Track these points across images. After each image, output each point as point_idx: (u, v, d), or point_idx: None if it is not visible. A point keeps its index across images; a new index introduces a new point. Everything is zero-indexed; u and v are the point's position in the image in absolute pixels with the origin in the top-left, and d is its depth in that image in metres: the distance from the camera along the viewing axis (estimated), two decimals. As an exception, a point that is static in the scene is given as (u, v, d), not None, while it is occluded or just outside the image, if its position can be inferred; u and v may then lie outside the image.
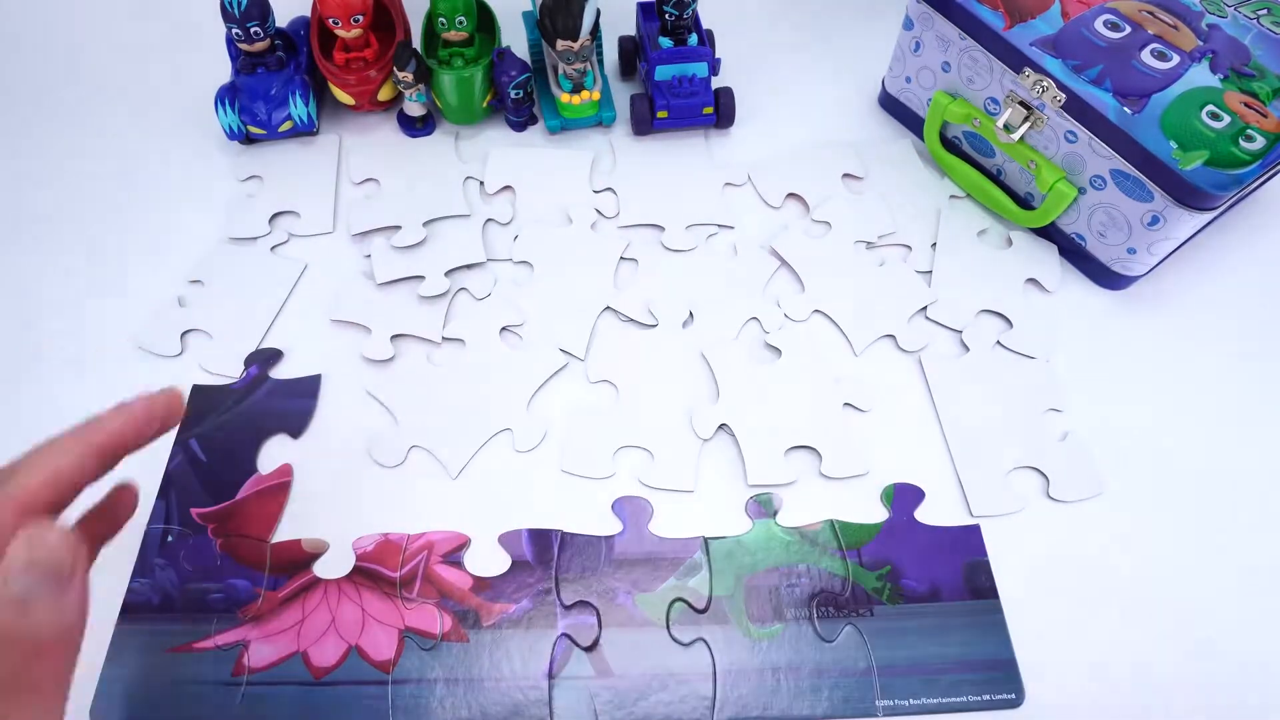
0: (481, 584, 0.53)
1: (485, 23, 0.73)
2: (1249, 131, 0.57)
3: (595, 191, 0.71)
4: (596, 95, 0.71)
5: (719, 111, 0.72)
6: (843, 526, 0.55)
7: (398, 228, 0.67)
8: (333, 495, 0.56)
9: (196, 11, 0.77)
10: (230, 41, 0.69)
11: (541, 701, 0.49)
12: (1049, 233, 0.67)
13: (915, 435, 0.59)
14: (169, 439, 0.58)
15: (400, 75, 0.68)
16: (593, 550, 0.54)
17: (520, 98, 0.71)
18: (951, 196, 0.70)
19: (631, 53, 0.77)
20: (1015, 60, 0.61)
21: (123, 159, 0.73)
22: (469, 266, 0.66)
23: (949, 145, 0.71)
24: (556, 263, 0.66)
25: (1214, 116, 0.57)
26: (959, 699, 0.50)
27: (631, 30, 0.77)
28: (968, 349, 0.62)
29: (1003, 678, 0.50)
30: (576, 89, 0.70)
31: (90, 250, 0.67)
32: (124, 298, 0.64)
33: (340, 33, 0.67)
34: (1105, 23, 0.62)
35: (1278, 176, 0.63)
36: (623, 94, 0.77)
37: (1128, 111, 0.58)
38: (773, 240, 0.67)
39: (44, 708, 0.33)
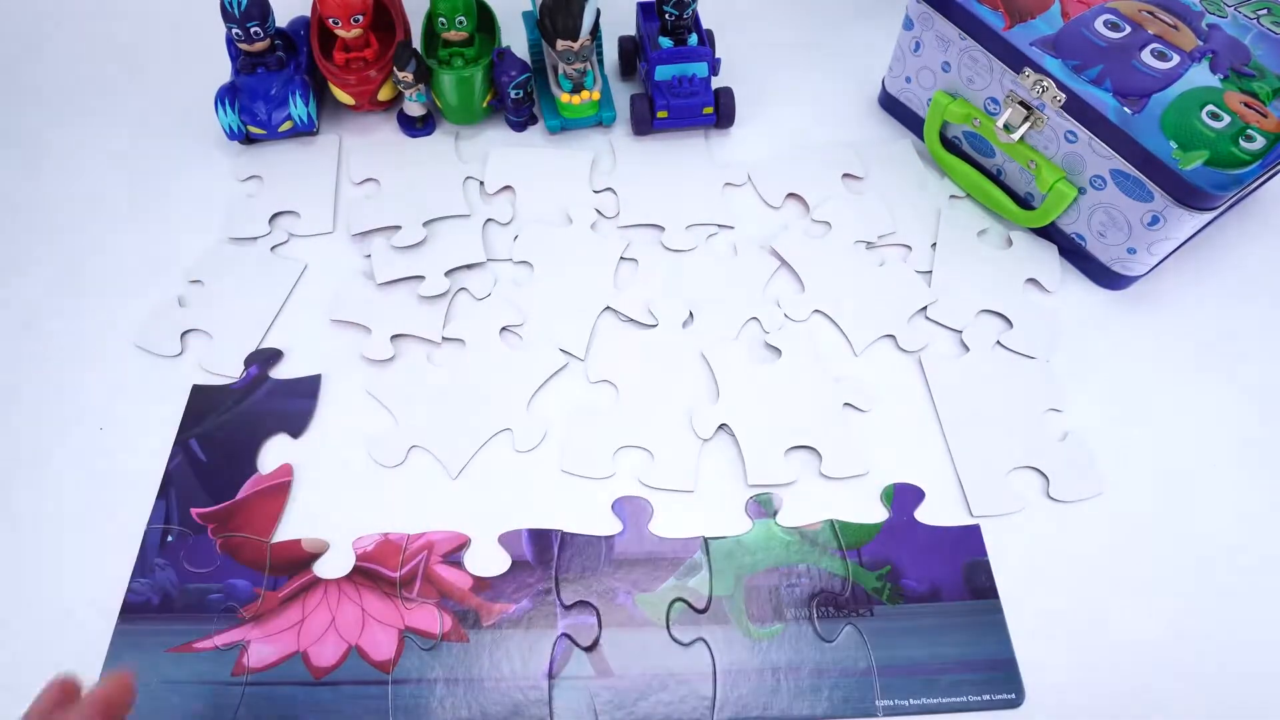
0: (481, 584, 0.53)
1: (485, 23, 0.73)
2: (1249, 131, 0.57)
3: (595, 191, 0.71)
4: (596, 95, 0.71)
5: (719, 111, 0.72)
6: (843, 526, 0.55)
7: (398, 228, 0.67)
8: (333, 495, 0.56)
9: (196, 11, 0.77)
10: (230, 41, 0.69)
11: (541, 701, 0.49)
12: (1049, 233, 0.67)
13: (915, 435, 0.59)
14: (169, 439, 0.58)
15: (400, 75, 0.68)
16: (593, 550, 0.54)
17: (520, 98, 0.71)
18: (951, 196, 0.70)
19: (631, 53, 0.77)
20: (1015, 60, 0.61)
21: (123, 159, 0.73)
22: (469, 266, 0.66)
23: (949, 145, 0.71)
24: (556, 263, 0.66)
25: (1214, 116, 0.57)
26: (959, 699, 0.50)
27: (631, 30, 0.77)
28: (968, 349, 0.62)
29: (1003, 678, 0.50)
30: (576, 89, 0.70)
31: (90, 250, 0.67)
32: (124, 298, 0.64)
33: (340, 33, 0.67)
34: (1105, 23, 0.62)
35: (1278, 176, 0.63)
36: (623, 94, 0.77)
37: (1128, 111, 0.58)
38: (773, 240, 0.67)
39: None
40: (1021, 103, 0.62)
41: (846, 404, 0.60)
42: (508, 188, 0.71)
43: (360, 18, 0.66)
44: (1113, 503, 0.56)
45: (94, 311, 0.64)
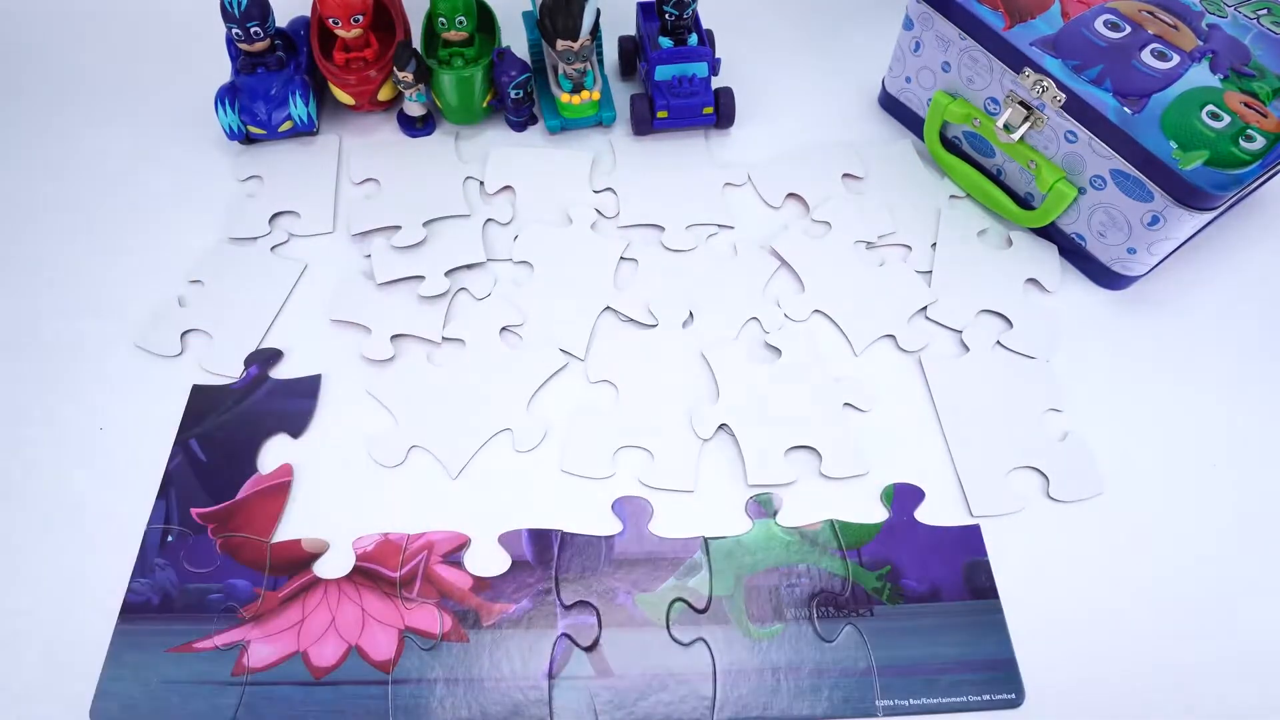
0: (481, 584, 0.53)
1: (485, 23, 0.73)
2: (1249, 131, 0.57)
3: (595, 191, 0.71)
4: (596, 95, 0.71)
5: (719, 111, 0.72)
6: (843, 526, 0.55)
7: (398, 228, 0.67)
8: (333, 495, 0.56)
9: (196, 11, 0.77)
10: (230, 41, 0.69)
11: (541, 701, 0.49)
12: (1049, 233, 0.67)
13: (915, 435, 0.59)
14: (169, 439, 0.58)
15: (400, 75, 0.68)
16: (593, 550, 0.54)
17: (520, 98, 0.71)
18: (951, 196, 0.70)
19: (631, 53, 0.77)
20: (1015, 60, 0.61)
21: (123, 159, 0.73)
22: (469, 266, 0.66)
23: (949, 145, 0.71)
24: (556, 263, 0.66)
25: (1214, 116, 0.57)
26: (959, 699, 0.50)
27: (631, 30, 0.77)
28: (968, 349, 0.62)
29: (1003, 678, 0.50)
30: (576, 89, 0.70)
31: (91, 250, 0.67)
32: (124, 298, 0.64)
33: (340, 33, 0.67)
34: (1105, 23, 0.62)
35: (1278, 176, 0.63)
36: (623, 94, 0.77)
37: (1128, 111, 0.58)
38: (773, 240, 0.67)
39: None
40: (1021, 103, 0.62)
41: (846, 404, 0.60)
42: (508, 188, 0.71)
43: (360, 18, 0.66)
44: (1113, 503, 0.56)
45: (94, 311, 0.64)
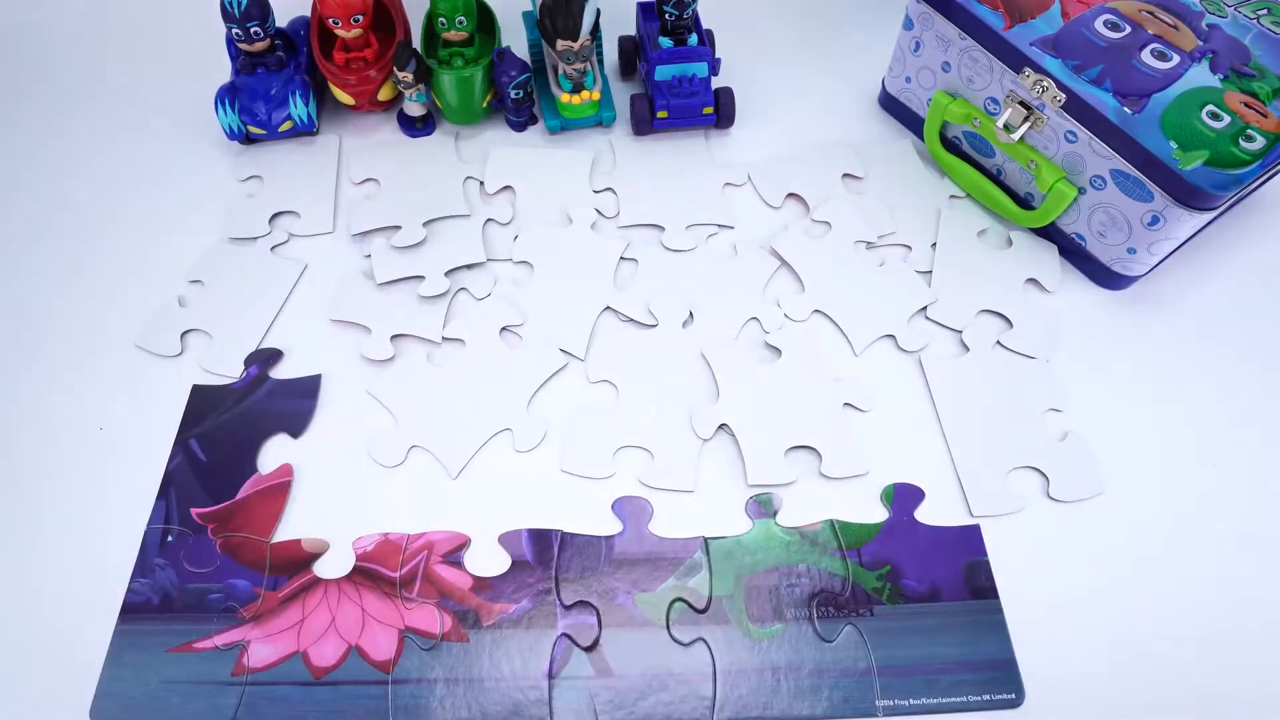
0: (481, 584, 0.53)
1: (485, 23, 0.73)
2: (1249, 131, 0.57)
3: (595, 191, 0.71)
4: (596, 95, 0.71)
5: (719, 111, 0.72)
6: (843, 526, 0.55)
7: (398, 228, 0.67)
8: (333, 495, 0.56)
9: (196, 11, 0.77)
10: (230, 41, 0.69)
11: (541, 701, 0.49)
12: (1049, 233, 0.67)
13: (915, 435, 0.59)
14: (169, 439, 0.58)
15: (400, 75, 0.68)
16: (593, 550, 0.54)
17: (520, 98, 0.71)
18: (951, 196, 0.70)
19: (631, 53, 0.77)
20: (1015, 60, 0.61)
21: (123, 159, 0.73)
22: (469, 266, 0.66)
23: (949, 145, 0.71)
24: (556, 263, 0.66)
25: (1214, 116, 0.57)
26: (959, 699, 0.50)
27: (631, 30, 0.77)
28: (968, 349, 0.62)
29: (1003, 678, 0.50)
30: (576, 89, 0.70)
31: (90, 250, 0.67)
32: (124, 298, 0.64)
33: (340, 33, 0.67)
34: (1105, 23, 0.62)
35: (1278, 176, 0.63)
36: (623, 94, 0.77)
37: (1128, 111, 0.58)
38: (773, 240, 0.67)
39: None
40: (1021, 103, 0.62)
41: (846, 404, 0.60)
42: (508, 188, 0.71)
43: (360, 18, 0.66)
44: (1113, 503, 0.56)
45: (94, 312, 0.64)
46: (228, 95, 0.70)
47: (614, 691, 0.50)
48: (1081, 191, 0.62)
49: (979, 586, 0.53)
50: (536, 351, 0.62)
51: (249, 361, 0.61)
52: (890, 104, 0.76)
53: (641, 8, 0.74)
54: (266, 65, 0.70)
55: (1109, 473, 0.57)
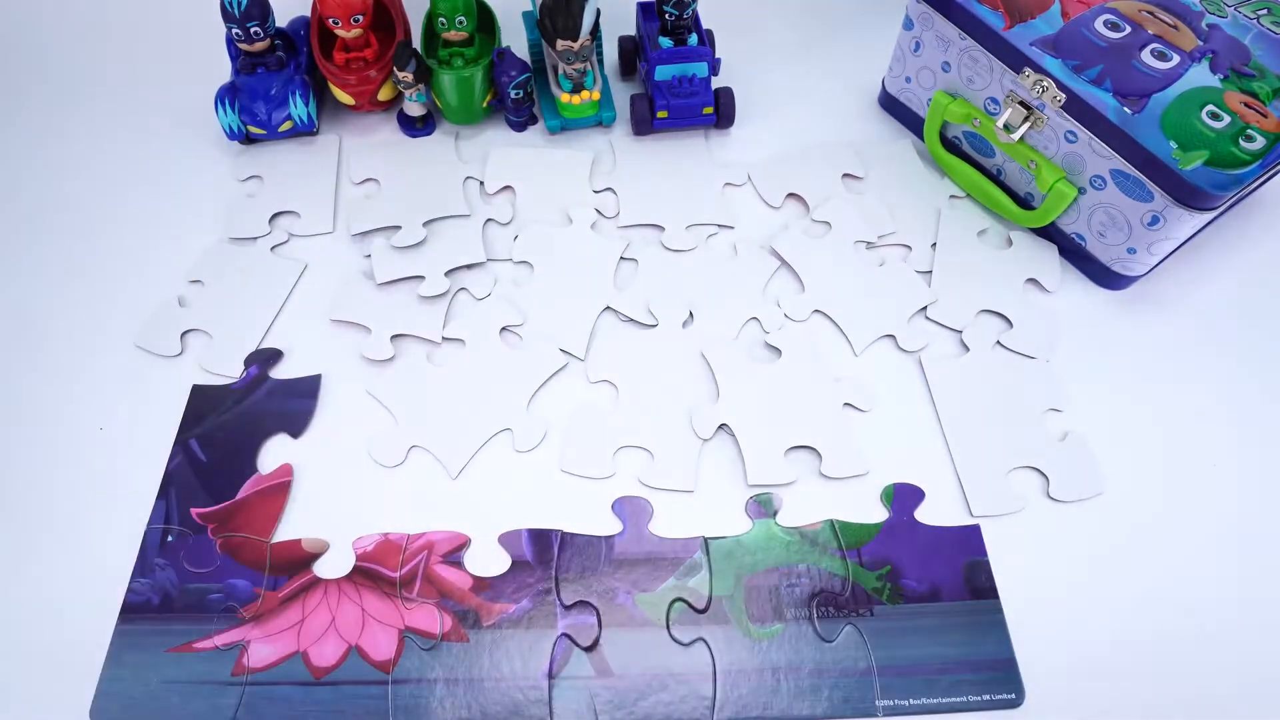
0: (481, 584, 0.53)
1: (485, 23, 0.73)
2: (1249, 131, 0.57)
3: (595, 191, 0.71)
4: (596, 95, 0.71)
5: (719, 111, 0.72)
6: (843, 526, 0.55)
7: (398, 228, 0.67)
8: (333, 495, 0.56)
9: (196, 11, 0.77)
10: (230, 41, 0.69)
11: (541, 701, 0.49)
12: (1049, 233, 0.67)
13: (915, 435, 0.59)
14: (169, 439, 0.58)
15: (400, 75, 0.68)
16: (593, 550, 0.54)
17: (520, 98, 0.71)
18: (951, 196, 0.70)
19: (631, 53, 0.77)
20: (1015, 60, 0.61)
21: (123, 159, 0.73)
22: (469, 266, 0.66)
23: (949, 145, 0.71)
24: (556, 263, 0.66)
25: (1214, 116, 0.57)
26: (959, 699, 0.50)
27: (631, 30, 0.77)
28: (968, 349, 0.62)
29: (1003, 678, 0.50)
30: (576, 89, 0.70)
31: (91, 250, 0.67)
32: (124, 298, 0.64)
33: (340, 33, 0.67)
34: (1105, 23, 0.62)
35: (1278, 176, 0.63)
36: (623, 94, 0.77)
37: (1128, 111, 0.58)
38: (773, 240, 0.67)
39: None
40: (1021, 103, 0.62)
41: (846, 404, 0.60)
42: (508, 188, 0.71)
43: (360, 18, 0.66)
44: (1113, 503, 0.56)
45: (94, 312, 0.64)
46: (228, 95, 0.70)
47: (614, 691, 0.50)
48: (1081, 191, 0.62)
49: (979, 586, 0.53)
50: (536, 351, 0.62)
51: (249, 361, 0.61)
52: (890, 104, 0.76)
53: (641, 8, 0.74)
54: (266, 65, 0.70)
55: (1109, 473, 0.57)
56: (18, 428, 0.59)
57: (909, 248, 0.68)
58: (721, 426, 0.58)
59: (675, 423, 0.59)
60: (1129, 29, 0.61)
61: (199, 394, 0.60)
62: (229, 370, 0.61)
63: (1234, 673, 0.51)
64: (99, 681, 0.49)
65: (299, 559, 0.54)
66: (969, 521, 0.55)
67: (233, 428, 0.58)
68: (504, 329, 0.63)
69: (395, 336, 0.62)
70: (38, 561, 0.54)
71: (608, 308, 0.64)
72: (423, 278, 0.64)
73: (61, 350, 0.62)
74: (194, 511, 0.55)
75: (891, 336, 0.63)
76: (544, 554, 0.54)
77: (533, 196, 0.70)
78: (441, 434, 0.58)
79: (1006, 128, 0.63)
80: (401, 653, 0.51)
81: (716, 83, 0.73)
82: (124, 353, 0.62)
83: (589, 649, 0.51)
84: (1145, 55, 0.60)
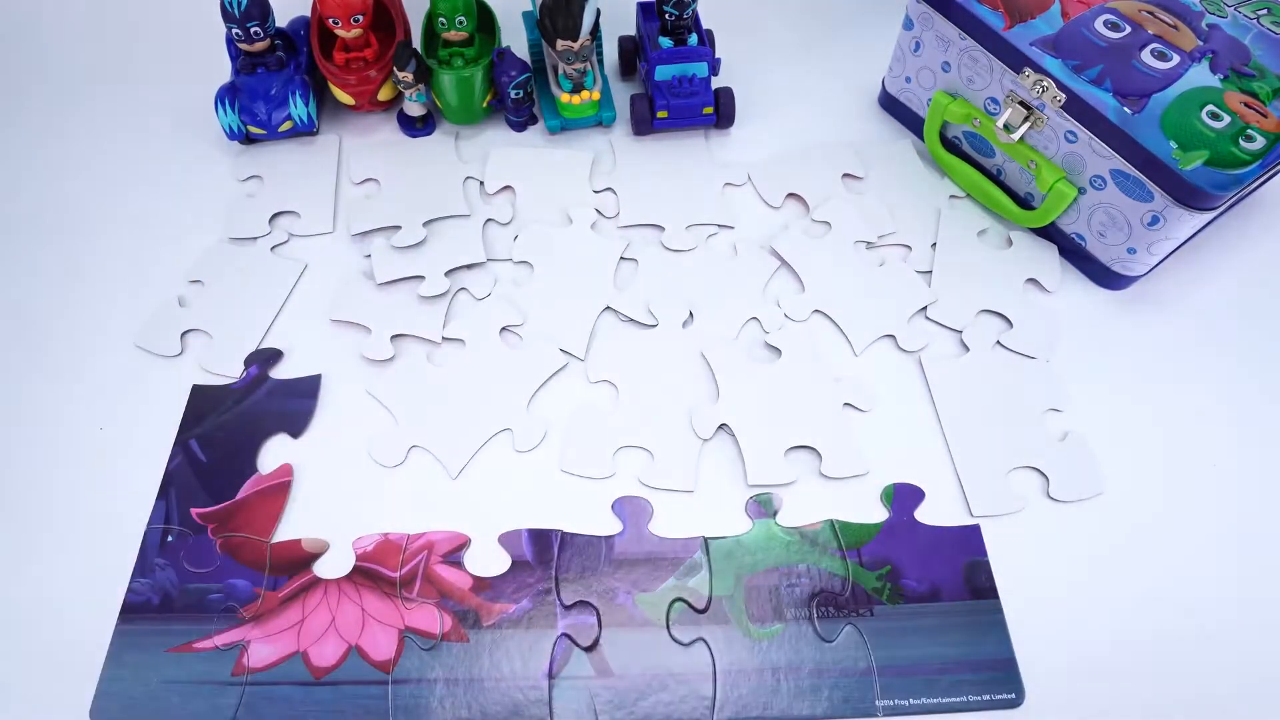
0: (481, 584, 0.53)
1: (485, 23, 0.73)
2: (1249, 131, 0.57)
3: (595, 191, 0.71)
4: (596, 95, 0.71)
5: (719, 111, 0.72)
6: (843, 526, 0.55)
7: (398, 228, 0.67)
8: (333, 495, 0.56)
9: (196, 11, 0.77)
10: (230, 41, 0.69)
11: (541, 701, 0.49)
12: (1049, 233, 0.67)
13: (915, 435, 0.59)
14: (169, 439, 0.58)
15: (400, 75, 0.68)
16: (593, 550, 0.54)
17: (520, 98, 0.71)
18: (951, 196, 0.70)
19: (631, 53, 0.77)
20: (1015, 60, 0.61)
21: (123, 159, 0.73)
22: (469, 266, 0.66)
23: (949, 145, 0.71)
24: (556, 263, 0.66)
25: (1214, 116, 0.57)
26: (959, 699, 0.50)
27: (631, 30, 0.77)
28: (968, 349, 0.62)
29: (1003, 678, 0.50)
30: (576, 89, 0.70)
31: (91, 250, 0.67)
32: (124, 298, 0.64)
33: (340, 33, 0.67)
34: (1105, 23, 0.62)
35: (1278, 176, 0.63)
36: (623, 94, 0.77)
37: (1128, 111, 0.58)
38: (773, 240, 0.67)
39: None
40: (1021, 103, 0.62)
41: (846, 404, 0.60)
42: (508, 188, 0.71)
43: (360, 18, 0.66)
44: (1113, 503, 0.56)
45: (94, 312, 0.64)
46: (228, 95, 0.70)
47: (614, 691, 0.50)
48: (1081, 191, 0.62)
49: (979, 586, 0.53)
50: (536, 351, 0.62)
51: (249, 361, 0.61)
52: (890, 104, 0.76)
53: (641, 8, 0.74)
54: (266, 65, 0.70)
55: (1109, 473, 0.57)
56: (18, 428, 0.59)
57: (909, 248, 0.68)
58: (721, 426, 0.58)
59: (675, 423, 0.59)
60: (1129, 29, 0.61)
61: (199, 394, 0.60)
62: (229, 370, 0.61)
63: (1234, 673, 0.51)
64: (99, 681, 0.49)
65: (299, 559, 0.54)
66: (969, 521, 0.55)
67: (233, 428, 0.58)
68: (504, 329, 0.63)
69: (395, 336, 0.62)
70: (38, 561, 0.54)
71: (608, 308, 0.64)
72: (423, 278, 0.64)
73: (61, 350, 0.62)
74: (194, 511, 0.55)
75: (891, 336, 0.63)
76: (544, 554, 0.54)
77: (533, 196, 0.70)
78: (441, 434, 0.58)
79: (1006, 128, 0.63)
80: (401, 653, 0.51)
81: (716, 83, 0.73)
82: (124, 353, 0.62)
83: (589, 649, 0.51)
84: (1145, 55, 0.60)
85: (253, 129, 0.70)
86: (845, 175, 0.72)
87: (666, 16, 0.70)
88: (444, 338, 0.62)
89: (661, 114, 0.71)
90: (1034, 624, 0.52)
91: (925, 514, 0.56)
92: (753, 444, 0.57)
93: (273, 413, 0.59)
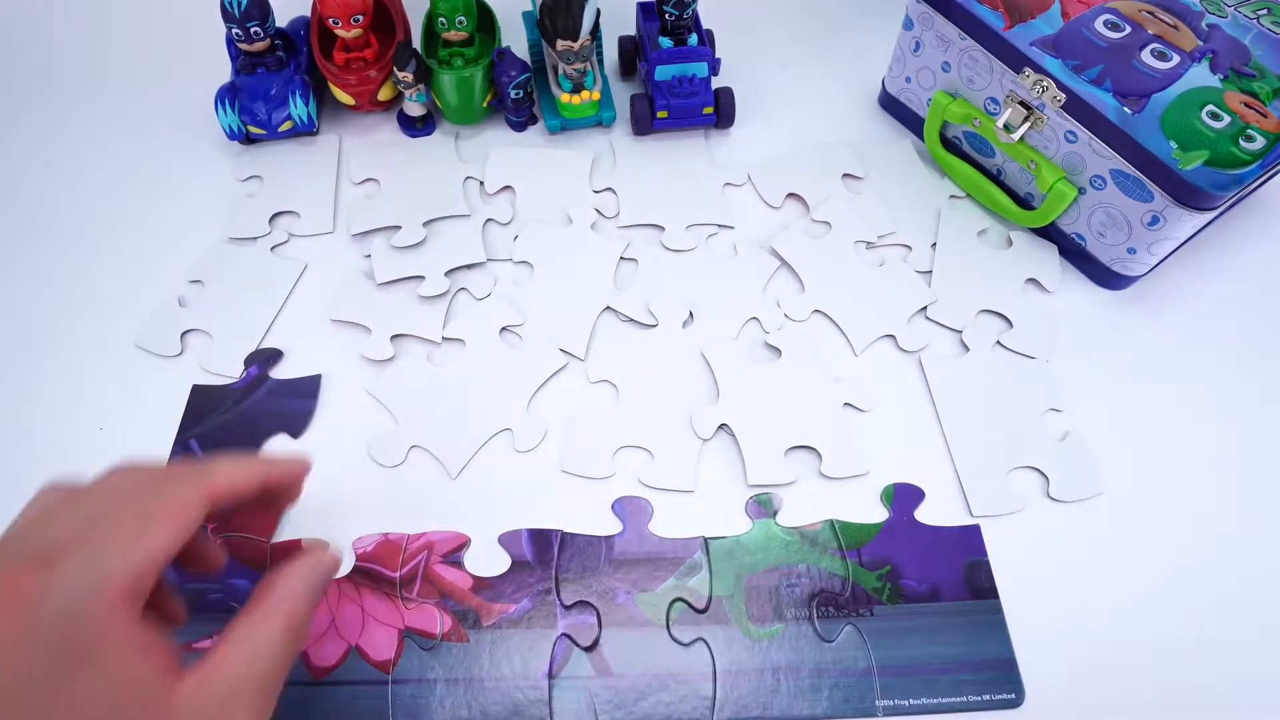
0: (481, 584, 0.53)
1: (485, 23, 0.73)
2: (1249, 131, 0.57)
3: (595, 191, 0.71)
4: (596, 95, 0.71)
5: (719, 111, 0.72)
6: (843, 526, 0.55)
7: (398, 228, 0.67)
8: (333, 495, 0.56)
9: (196, 11, 0.77)
10: (230, 41, 0.69)
11: (541, 701, 0.49)
12: (1049, 233, 0.67)
13: (915, 435, 0.59)
14: (169, 439, 0.58)
15: (400, 75, 0.68)
16: (593, 550, 0.54)
17: (520, 98, 0.71)
18: (951, 196, 0.70)
19: (631, 53, 0.77)
20: (1015, 60, 0.61)
21: (123, 159, 0.73)
22: (469, 266, 0.66)
23: (949, 145, 0.71)
24: (556, 263, 0.66)
25: (1214, 116, 0.57)
26: (959, 699, 0.50)
27: (631, 30, 0.77)
28: (968, 349, 0.62)
29: (1003, 678, 0.50)
30: (576, 89, 0.70)
31: (91, 250, 0.67)
32: (124, 298, 0.64)
33: (340, 33, 0.67)
34: (1105, 23, 0.62)
35: (1278, 176, 0.63)
36: (623, 94, 0.77)
37: (1128, 111, 0.58)
38: (773, 240, 0.67)
39: None
40: (1021, 103, 0.62)
41: (846, 404, 0.60)
42: (508, 188, 0.71)
43: (360, 18, 0.66)
44: (1113, 503, 0.56)
45: (94, 311, 0.64)
46: (228, 95, 0.70)
47: (614, 691, 0.50)
48: (1081, 191, 0.62)
49: (979, 586, 0.53)
50: (536, 351, 0.62)
51: (249, 361, 0.61)
52: (890, 104, 0.76)
53: (641, 8, 0.74)
54: (266, 65, 0.70)
55: (1109, 473, 0.57)
56: (18, 428, 0.59)
57: (909, 248, 0.68)
58: (721, 426, 0.58)
59: (675, 423, 0.59)
60: (1129, 29, 0.61)
61: (199, 394, 0.60)
62: (229, 370, 0.61)
63: (1234, 673, 0.51)
64: (99, 681, 0.49)
65: (299, 559, 0.53)
66: (969, 521, 0.55)
67: (233, 428, 0.58)
68: (504, 329, 0.63)
69: (395, 336, 0.62)
70: (38, 561, 0.54)
71: (608, 308, 0.64)
72: (423, 278, 0.64)
73: (62, 350, 0.62)
74: (194, 511, 0.55)
75: (891, 336, 0.63)
76: (544, 554, 0.54)
77: (533, 196, 0.70)
78: (441, 434, 0.58)
79: (1006, 128, 0.63)
80: (401, 653, 0.51)
81: (716, 83, 0.73)
82: (124, 353, 0.62)
83: (589, 649, 0.51)
84: (1145, 55, 0.60)
85: (253, 129, 0.70)
86: (845, 175, 0.72)
87: (666, 16, 0.70)
88: (444, 338, 0.62)
89: (661, 114, 0.71)
90: (1034, 624, 0.52)
91: (925, 514, 0.56)
92: (753, 444, 0.57)
93: (273, 413, 0.59)
